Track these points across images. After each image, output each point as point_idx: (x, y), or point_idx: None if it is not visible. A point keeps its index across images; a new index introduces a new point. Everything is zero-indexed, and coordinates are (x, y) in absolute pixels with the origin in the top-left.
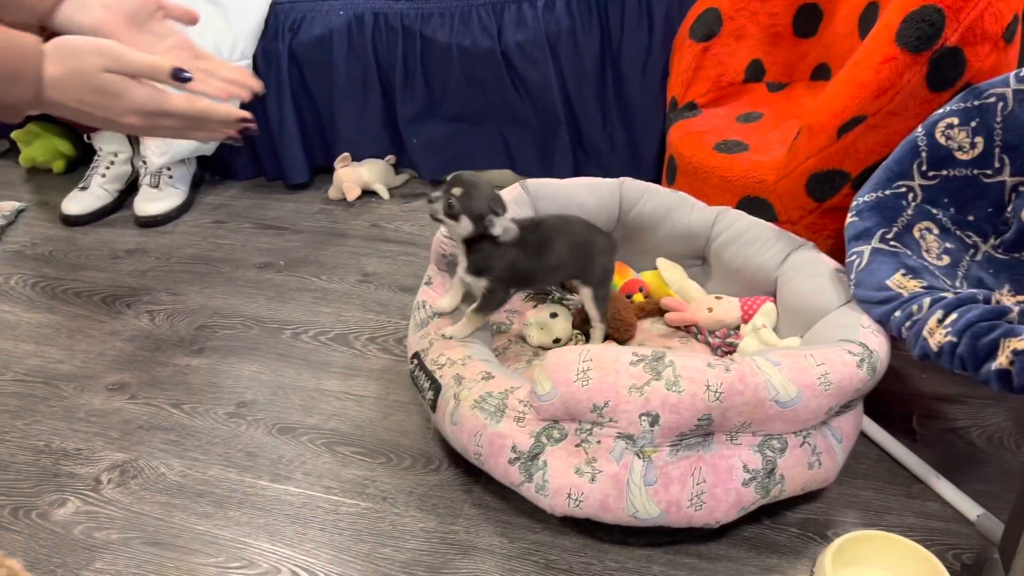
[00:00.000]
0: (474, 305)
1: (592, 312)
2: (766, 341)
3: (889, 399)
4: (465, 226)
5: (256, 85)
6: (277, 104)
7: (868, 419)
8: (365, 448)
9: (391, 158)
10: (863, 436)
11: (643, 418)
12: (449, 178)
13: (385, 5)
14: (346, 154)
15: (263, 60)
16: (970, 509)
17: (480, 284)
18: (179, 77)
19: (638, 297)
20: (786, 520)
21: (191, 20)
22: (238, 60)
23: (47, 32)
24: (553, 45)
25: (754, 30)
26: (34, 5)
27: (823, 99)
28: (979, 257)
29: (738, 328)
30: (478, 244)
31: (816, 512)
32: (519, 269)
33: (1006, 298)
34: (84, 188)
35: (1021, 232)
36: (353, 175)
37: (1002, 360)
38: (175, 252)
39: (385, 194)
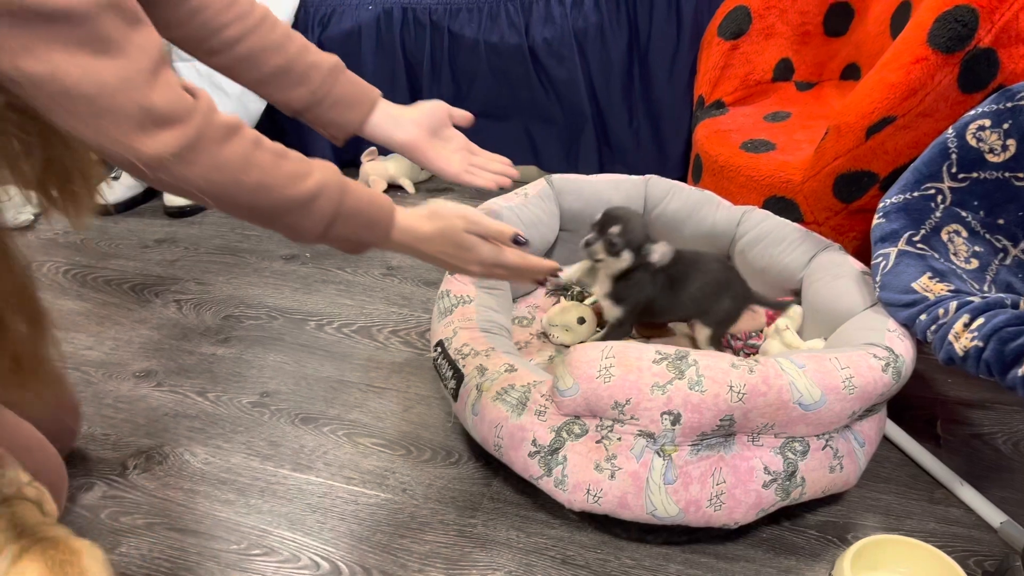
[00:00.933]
0: (599, 333)
1: (700, 347)
2: (788, 343)
3: (914, 403)
4: (626, 259)
5: (515, 174)
6: None
7: (891, 423)
8: (385, 440)
9: None
10: (886, 440)
11: (664, 417)
12: (600, 216)
13: (414, 0)
14: (373, 148)
15: None
16: (993, 516)
17: (615, 312)
18: (516, 241)
19: None
20: (805, 522)
21: (470, 123)
22: None
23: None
24: (581, 42)
25: (784, 28)
26: (347, 123)
27: (852, 99)
28: (1008, 261)
29: (761, 330)
30: (628, 273)
31: (836, 515)
32: (653, 301)
33: None
34: (115, 178)
35: None
36: (379, 169)
37: None
38: (203, 242)
39: (411, 188)
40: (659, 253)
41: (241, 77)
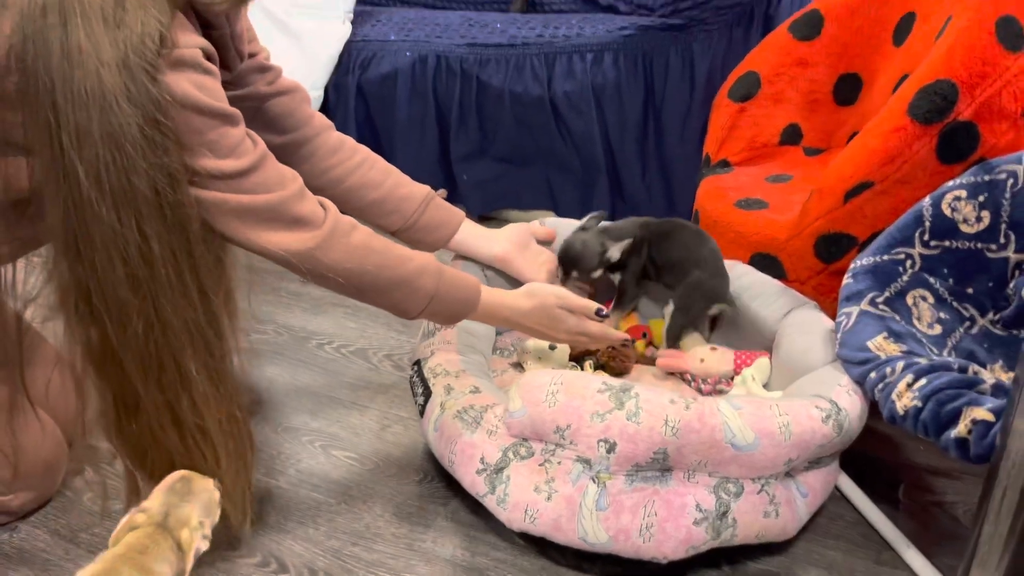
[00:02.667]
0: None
1: (666, 322)
2: (753, 393)
3: (878, 466)
4: (598, 273)
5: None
6: (343, 132)
7: (850, 481)
8: (358, 454)
9: (443, 192)
10: (843, 499)
11: (601, 444)
12: (559, 259)
13: (447, 49)
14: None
15: (334, 92)
16: None
17: (615, 278)
18: (598, 314)
19: (640, 344)
20: (746, 570)
21: (552, 239)
22: (310, 90)
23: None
24: (599, 97)
25: (793, 95)
26: (433, 242)
27: (834, 163)
28: (975, 330)
29: (732, 378)
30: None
31: (778, 565)
32: (645, 263)
33: (999, 373)
34: None
35: (1021, 309)
36: None
37: (961, 428)
38: None
39: None
40: (617, 251)
41: (343, 207)
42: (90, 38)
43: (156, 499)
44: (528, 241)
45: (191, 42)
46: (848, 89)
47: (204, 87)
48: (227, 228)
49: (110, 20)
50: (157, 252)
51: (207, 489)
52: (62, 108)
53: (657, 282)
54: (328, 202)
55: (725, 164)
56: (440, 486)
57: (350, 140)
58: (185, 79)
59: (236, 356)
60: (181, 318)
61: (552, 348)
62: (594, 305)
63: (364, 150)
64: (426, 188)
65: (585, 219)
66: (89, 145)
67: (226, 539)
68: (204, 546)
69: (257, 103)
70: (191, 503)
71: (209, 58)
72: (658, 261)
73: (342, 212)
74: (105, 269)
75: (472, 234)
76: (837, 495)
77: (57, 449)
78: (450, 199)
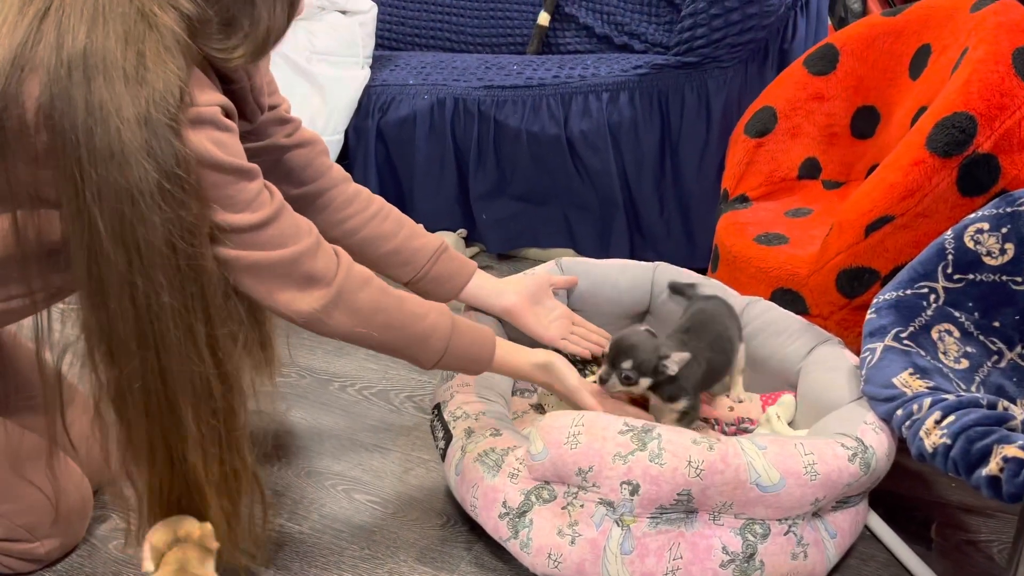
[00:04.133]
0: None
1: (740, 364)
2: (777, 431)
3: (910, 504)
4: (644, 384)
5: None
6: (363, 175)
7: (881, 521)
8: (380, 498)
9: (463, 232)
10: (874, 538)
11: (624, 486)
12: (609, 349)
13: (464, 91)
14: (420, 225)
15: (354, 135)
16: None
17: (678, 407)
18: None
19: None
20: None
21: (573, 285)
22: (331, 135)
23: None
24: (615, 135)
25: (810, 129)
26: (444, 294)
27: (854, 197)
28: (1003, 364)
29: (755, 418)
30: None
31: None
32: (703, 377)
33: None
34: None
35: None
36: None
37: (992, 466)
38: None
39: None
40: (675, 364)
41: (357, 258)
42: (112, 96)
43: (158, 533)
44: (542, 295)
45: (210, 99)
46: (865, 122)
47: (222, 144)
48: (242, 286)
49: (132, 77)
50: (167, 304)
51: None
52: (86, 164)
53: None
54: (343, 255)
55: (744, 199)
56: (463, 530)
57: (365, 192)
58: (204, 136)
59: (256, 404)
60: (185, 372)
61: None
62: (600, 410)
63: (379, 201)
64: (439, 239)
65: (644, 327)
66: (109, 200)
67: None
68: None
69: (276, 155)
70: (186, 522)
71: (228, 114)
72: (723, 361)
73: (357, 262)
74: (119, 318)
75: (483, 286)
76: (867, 535)
77: (84, 496)
78: (469, 238)
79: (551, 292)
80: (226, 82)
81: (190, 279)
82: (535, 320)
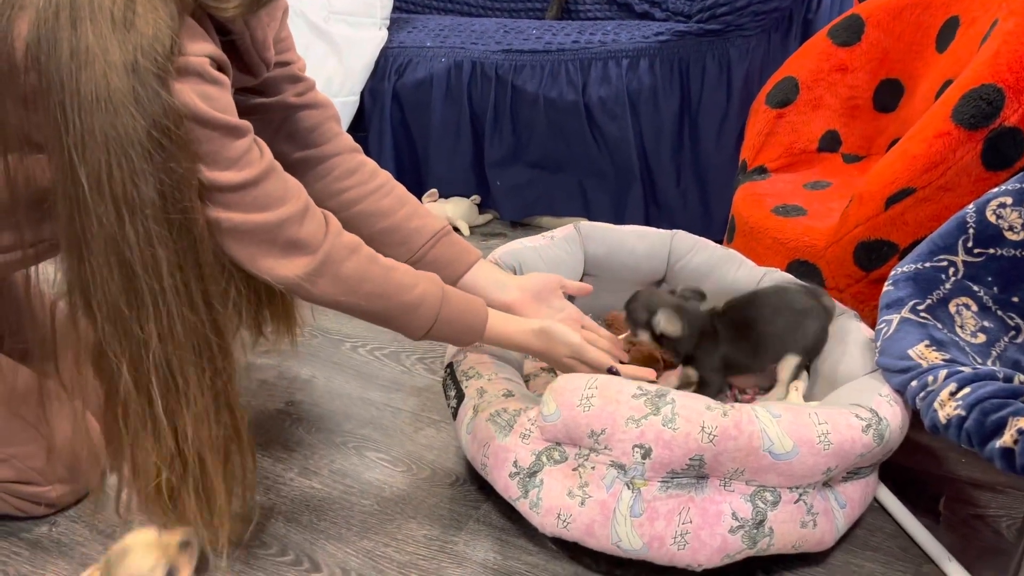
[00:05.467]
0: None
1: (783, 375)
2: (791, 401)
3: (920, 478)
4: (644, 337)
5: (623, 356)
6: (378, 138)
7: (890, 494)
8: (390, 456)
9: (476, 198)
10: (882, 510)
11: (636, 449)
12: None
13: (482, 55)
14: (434, 190)
15: (369, 98)
16: None
17: (693, 374)
18: (610, 371)
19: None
20: None
21: (586, 294)
22: (346, 96)
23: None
24: (634, 102)
25: (832, 101)
26: (445, 279)
27: (875, 169)
28: (1020, 339)
29: (770, 388)
30: (679, 342)
31: None
32: (730, 355)
33: None
34: None
35: None
36: (439, 211)
37: (1007, 438)
38: None
39: (466, 231)
40: (660, 322)
41: (352, 231)
42: (99, 39)
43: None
44: (550, 294)
45: (198, 50)
46: (889, 95)
47: (208, 97)
48: (225, 248)
49: (119, 22)
50: (163, 260)
51: (146, 543)
52: (68, 109)
53: (759, 369)
54: (332, 220)
55: (762, 171)
56: (472, 489)
57: (371, 165)
58: (189, 87)
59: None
60: (186, 329)
61: None
62: (607, 362)
63: (383, 177)
64: (442, 222)
65: (681, 287)
66: (92, 148)
67: (258, 538)
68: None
69: (284, 113)
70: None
71: (220, 67)
72: (751, 351)
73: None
74: (103, 274)
75: (484, 276)
76: (876, 507)
77: (88, 441)
78: (483, 205)
79: (560, 294)
80: (223, 33)
81: (184, 232)
82: (536, 316)
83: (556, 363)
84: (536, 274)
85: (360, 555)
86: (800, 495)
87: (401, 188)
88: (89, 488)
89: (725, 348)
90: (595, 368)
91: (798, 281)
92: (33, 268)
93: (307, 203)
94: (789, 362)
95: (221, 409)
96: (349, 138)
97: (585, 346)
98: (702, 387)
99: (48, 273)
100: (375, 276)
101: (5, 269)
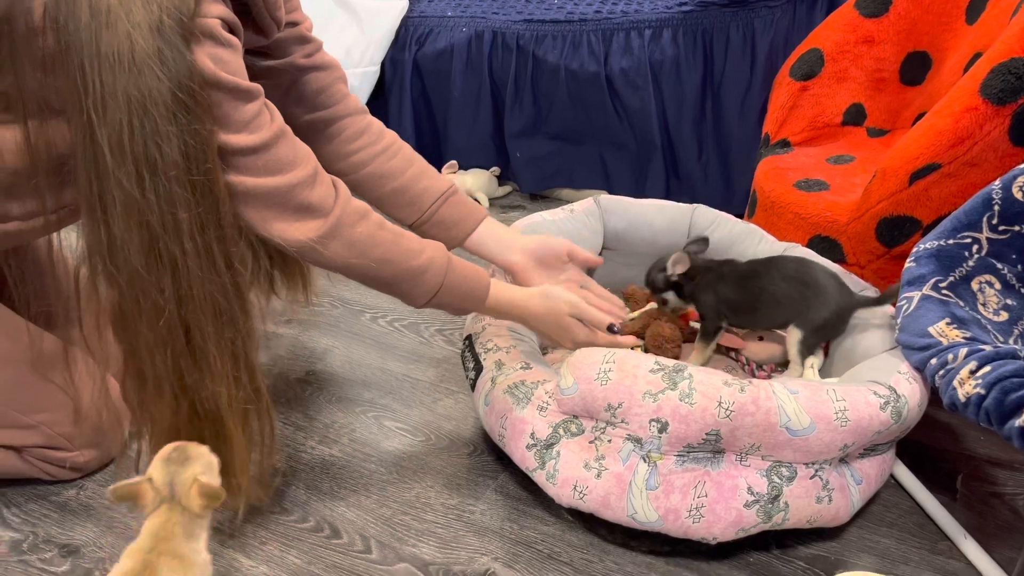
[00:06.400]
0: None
1: (791, 353)
2: (807, 378)
3: (937, 455)
4: (672, 297)
5: (624, 316)
6: (398, 108)
7: (907, 470)
8: (409, 426)
9: (496, 169)
10: (898, 487)
11: (653, 424)
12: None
13: (504, 24)
14: (453, 161)
15: (390, 67)
16: (993, 573)
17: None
18: (611, 330)
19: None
20: (796, 553)
21: (596, 264)
22: (367, 66)
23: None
24: (656, 73)
25: (858, 74)
26: (448, 240)
27: (900, 144)
28: None
29: (787, 365)
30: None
31: (829, 551)
32: (733, 307)
33: None
34: None
35: None
36: (458, 182)
37: None
38: None
39: (485, 203)
40: (671, 264)
41: (361, 194)
42: (121, 0)
43: (157, 470)
44: (554, 260)
45: (211, 11)
46: (916, 68)
47: (220, 60)
48: (237, 212)
49: None
50: (185, 222)
51: (202, 454)
52: (89, 70)
53: (750, 327)
54: (341, 186)
55: (785, 144)
56: (490, 459)
57: (378, 125)
58: (201, 51)
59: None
60: (206, 291)
61: None
62: (607, 320)
63: (390, 137)
64: (448, 182)
65: (687, 243)
66: (113, 110)
67: (279, 504)
68: (212, 506)
69: (293, 76)
70: (190, 468)
71: (231, 29)
72: (750, 300)
73: (360, 199)
74: (123, 236)
75: (491, 235)
76: (892, 483)
77: (113, 406)
78: (503, 176)
79: (567, 260)
80: None
81: (206, 194)
82: (538, 281)
83: (557, 326)
84: (545, 238)
85: (379, 522)
86: (816, 471)
87: (407, 148)
88: (114, 453)
89: (726, 291)
90: (595, 325)
91: (836, 273)
92: (56, 234)
93: (317, 167)
94: (793, 335)
95: (241, 371)
96: (356, 99)
97: (585, 305)
98: (702, 331)
99: (71, 240)
100: (384, 241)
101: (28, 235)
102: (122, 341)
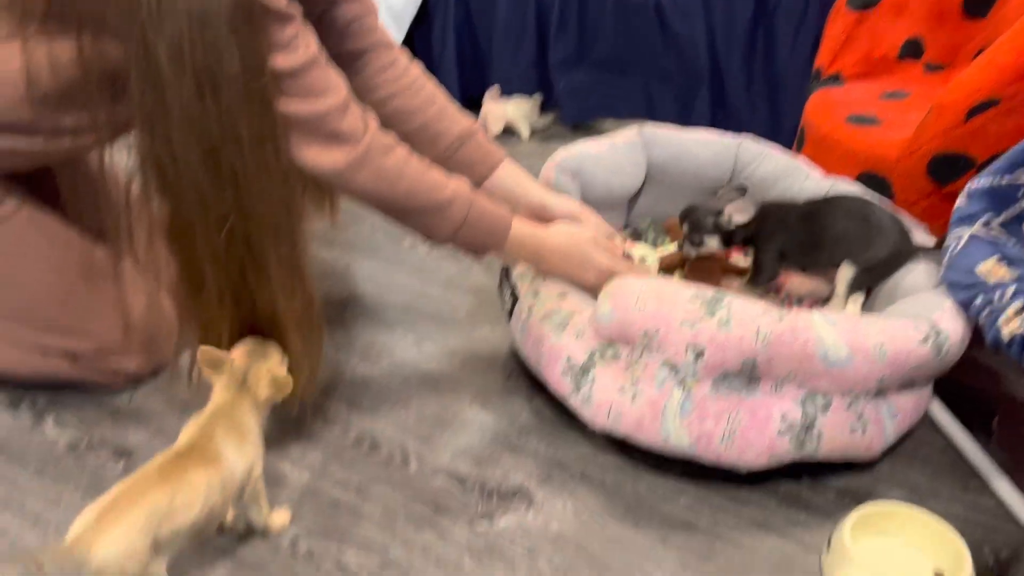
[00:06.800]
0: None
1: (839, 288)
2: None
3: (974, 396)
4: (713, 243)
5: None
6: (441, 33)
7: (943, 408)
8: (447, 349)
9: (538, 98)
10: (933, 425)
11: (689, 350)
12: (681, 225)
13: None
14: (495, 88)
15: None
16: None
17: (747, 260)
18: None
19: (739, 259)
20: (827, 484)
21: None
22: None
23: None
24: (707, 1)
25: (917, 6)
26: (473, 176)
27: (959, 78)
28: None
29: (827, 300)
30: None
31: (860, 483)
32: (792, 245)
33: None
34: None
35: None
36: (499, 110)
37: None
38: None
39: (526, 133)
40: (732, 212)
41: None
42: None
43: (240, 356)
44: (567, 212)
45: None
46: (980, 1)
47: None
48: None
49: None
50: (244, 134)
51: (278, 352)
52: None
53: (811, 268)
54: (372, 116)
55: (837, 78)
56: (525, 384)
57: (404, 60)
58: None
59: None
60: (265, 203)
61: (642, 261)
62: (624, 269)
63: (415, 73)
64: (470, 122)
65: (722, 189)
66: (171, 22)
67: (322, 418)
68: (277, 398)
69: (324, 5)
70: (266, 362)
71: None
72: (810, 243)
73: None
74: (180, 150)
75: (510, 177)
76: (928, 421)
77: (163, 316)
78: (545, 106)
79: (585, 213)
80: None
81: (265, 108)
82: (552, 224)
83: (580, 256)
84: (561, 195)
85: (418, 439)
86: (851, 402)
87: (432, 85)
88: (164, 362)
89: (788, 238)
90: (618, 253)
91: (899, 218)
92: (108, 149)
93: (349, 96)
94: (845, 272)
95: (296, 284)
96: (386, 32)
97: (608, 228)
98: (755, 274)
99: (120, 158)
100: (412, 173)
101: (81, 148)
102: (177, 253)
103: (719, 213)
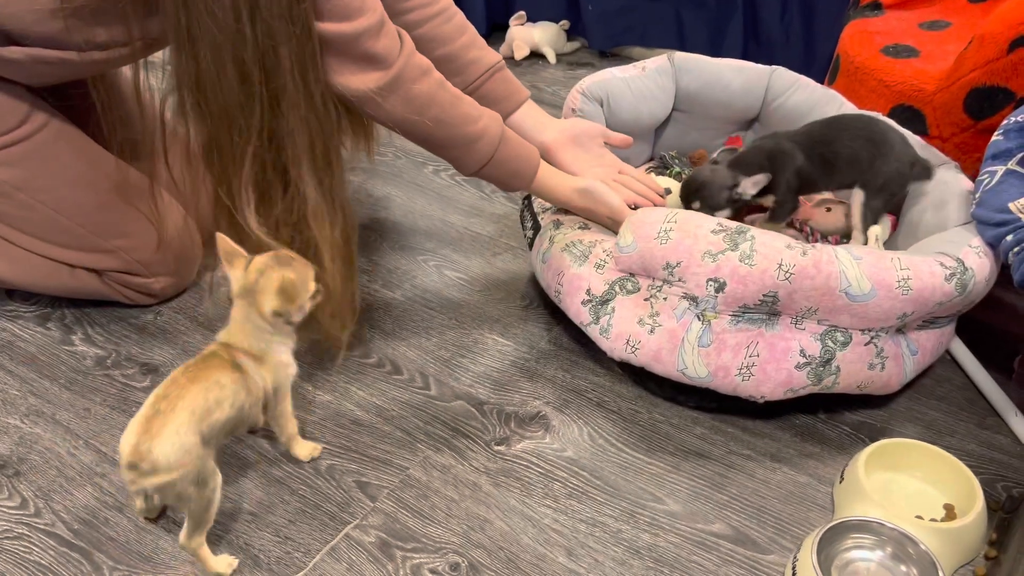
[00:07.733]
0: (766, 215)
1: (855, 218)
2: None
3: (996, 336)
4: (724, 215)
5: (660, 200)
6: None
7: (964, 347)
8: (468, 276)
9: (565, 23)
10: (953, 363)
11: (710, 283)
12: (681, 191)
13: None
14: (522, 13)
15: None
16: None
17: (768, 200)
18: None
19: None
20: (842, 419)
21: (627, 146)
22: None
23: None
24: None
25: None
26: (502, 113)
27: (1003, 8)
28: None
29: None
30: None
31: (875, 418)
32: (806, 177)
33: None
34: None
35: None
36: (525, 35)
37: None
38: None
39: (552, 58)
40: (751, 186)
41: None
42: None
43: (261, 257)
44: (589, 141)
45: None
46: None
47: None
48: None
49: None
50: (285, 58)
51: (305, 268)
52: None
53: (826, 188)
54: (407, 39)
55: (876, 7)
56: (544, 313)
57: None
58: None
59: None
60: (304, 130)
61: (667, 193)
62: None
63: (445, 1)
64: (497, 57)
65: (717, 152)
66: None
67: (346, 341)
68: (297, 318)
69: None
70: (284, 271)
71: None
72: (822, 167)
73: None
74: (216, 70)
75: (530, 115)
76: (948, 359)
77: (191, 237)
78: (572, 31)
79: (602, 143)
80: None
81: (304, 31)
82: (572, 159)
83: (597, 221)
84: (579, 120)
85: (438, 362)
86: (872, 338)
87: (461, 16)
88: (189, 282)
89: (796, 174)
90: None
91: (901, 132)
92: (142, 67)
93: (383, 17)
94: (857, 197)
95: (335, 215)
96: None
97: (624, 209)
98: (775, 212)
99: (154, 81)
100: (443, 101)
101: (116, 61)
102: (214, 174)
103: (733, 187)
